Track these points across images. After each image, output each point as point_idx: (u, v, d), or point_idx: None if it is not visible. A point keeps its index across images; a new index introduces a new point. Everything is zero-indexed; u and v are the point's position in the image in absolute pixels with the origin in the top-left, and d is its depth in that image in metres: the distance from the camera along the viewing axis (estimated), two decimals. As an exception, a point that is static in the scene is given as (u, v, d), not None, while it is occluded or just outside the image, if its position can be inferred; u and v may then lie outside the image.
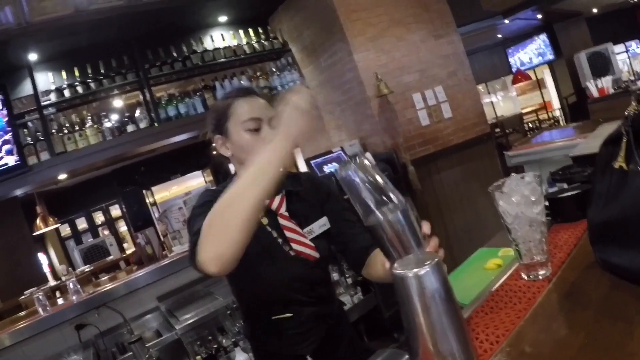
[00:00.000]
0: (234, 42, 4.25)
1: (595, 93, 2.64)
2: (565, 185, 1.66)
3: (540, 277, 1.05)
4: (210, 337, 2.85)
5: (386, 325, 3.46)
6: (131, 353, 2.69)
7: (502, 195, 1.03)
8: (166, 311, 3.04)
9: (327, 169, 4.05)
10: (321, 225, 1.33)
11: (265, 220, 1.26)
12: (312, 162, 4.17)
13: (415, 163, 3.78)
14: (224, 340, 2.82)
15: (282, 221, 1.29)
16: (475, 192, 4.02)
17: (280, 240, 1.26)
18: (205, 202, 1.14)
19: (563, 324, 0.85)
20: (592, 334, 0.78)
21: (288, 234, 1.28)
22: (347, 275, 3.45)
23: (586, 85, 7.87)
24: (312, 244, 1.29)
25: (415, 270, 0.68)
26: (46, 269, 4.49)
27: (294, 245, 1.27)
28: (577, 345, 0.76)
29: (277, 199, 1.30)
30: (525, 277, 1.08)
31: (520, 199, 1.01)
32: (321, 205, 1.37)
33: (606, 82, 2.62)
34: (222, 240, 0.89)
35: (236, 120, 1.23)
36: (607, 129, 2.27)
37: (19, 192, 3.97)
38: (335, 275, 3.35)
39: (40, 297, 2.91)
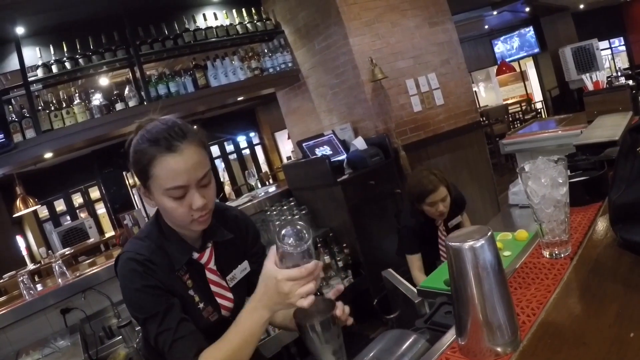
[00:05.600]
0: (227, 22, 4.17)
1: (590, 86, 2.70)
2: (569, 172, 1.71)
3: (562, 256, 1.08)
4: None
5: (375, 309, 3.51)
6: (120, 337, 2.65)
7: (532, 176, 1.05)
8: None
9: (319, 151, 4.05)
10: (242, 269, 1.29)
11: (190, 283, 1.17)
12: (303, 144, 4.16)
13: (407, 148, 3.80)
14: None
15: (209, 275, 1.22)
16: (465, 179, 4.09)
17: (201, 305, 1.18)
18: (154, 306, 1.07)
19: (595, 296, 0.88)
20: (625, 304, 0.81)
21: (214, 288, 1.22)
22: (338, 259, 3.48)
23: (570, 79, 8.06)
24: (231, 296, 1.25)
25: (470, 242, 0.69)
26: (24, 252, 4.38)
27: (218, 300, 1.23)
28: (613, 314, 0.79)
29: (207, 253, 1.22)
30: (547, 256, 1.11)
31: (548, 180, 1.03)
32: (245, 248, 1.32)
33: (601, 76, 2.69)
34: None
35: (159, 185, 1.04)
36: (606, 120, 2.33)
37: (0, 172, 3.84)
38: (326, 258, 3.38)
39: (24, 280, 2.83)
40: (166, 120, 1.08)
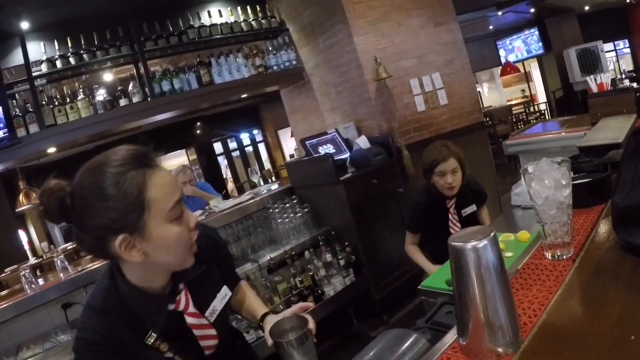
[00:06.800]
0: (231, 19, 4.17)
1: (594, 88, 2.70)
2: (572, 174, 1.71)
3: (564, 257, 1.08)
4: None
5: (376, 308, 3.52)
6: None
7: (535, 177, 1.05)
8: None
9: (322, 150, 4.05)
10: (222, 297, 1.16)
11: (165, 347, 1.00)
12: (307, 142, 4.16)
13: (410, 148, 3.80)
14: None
15: (190, 320, 1.07)
16: (467, 180, 4.08)
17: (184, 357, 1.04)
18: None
19: (597, 298, 0.88)
20: (626, 306, 0.81)
21: (197, 332, 1.08)
22: (339, 257, 3.49)
23: (574, 80, 8.03)
24: (214, 332, 1.12)
25: (473, 242, 0.69)
26: (26, 247, 4.39)
27: (202, 343, 1.10)
28: (615, 316, 0.79)
29: (182, 298, 1.06)
30: (549, 257, 1.11)
31: (552, 182, 1.03)
32: (219, 271, 1.20)
33: (605, 78, 2.68)
34: None
35: (159, 209, 0.89)
36: (610, 123, 2.33)
37: (3, 166, 3.84)
38: (328, 257, 3.38)
39: (26, 274, 2.83)
40: (114, 150, 0.93)
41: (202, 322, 1.08)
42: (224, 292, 1.16)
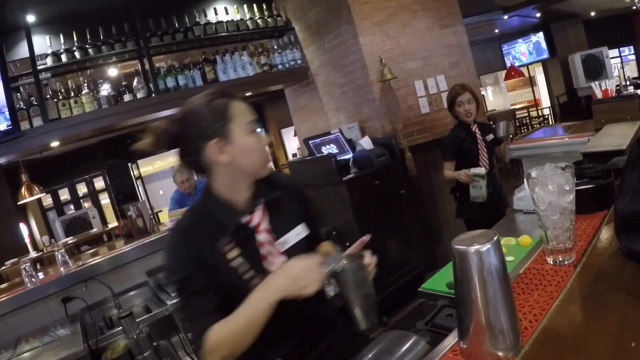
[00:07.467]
0: (237, 17, 4.17)
1: (599, 94, 2.69)
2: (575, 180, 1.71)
3: (566, 263, 1.08)
4: (203, 314, 2.84)
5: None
6: (120, 328, 2.66)
7: (539, 182, 1.05)
8: (155, 286, 3.01)
9: (325, 150, 4.05)
10: (296, 234, 1.24)
11: (235, 253, 1.13)
12: (310, 142, 4.16)
13: (413, 150, 3.80)
14: (216, 317, 2.82)
15: (260, 238, 1.18)
16: (469, 183, 4.07)
17: (247, 276, 1.13)
18: (182, 280, 1.10)
19: (598, 304, 0.88)
20: (627, 313, 0.81)
21: (264, 251, 1.18)
22: (340, 258, 3.48)
23: (579, 86, 8.01)
24: (284, 260, 1.18)
25: (476, 246, 0.69)
26: (27, 240, 4.38)
27: (269, 267, 1.17)
28: (615, 323, 0.79)
29: (258, 214, 1.19)
30: (551, 262, 1.11)
31: (555, 187, 1.03)
32: (300, 211, 1.30)
33: (610, 85, 2.67)
34: (231, 358, 1.05)
35: (240, 122, 1.13)
36: (614, 129, 2.32)
37: (6, 159, 3.85)
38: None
39: (27, 268, 2.83)
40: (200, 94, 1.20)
41: (272, 247, 1.19)
42: (300, 230, 1.25)
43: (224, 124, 1.12)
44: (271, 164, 1.17)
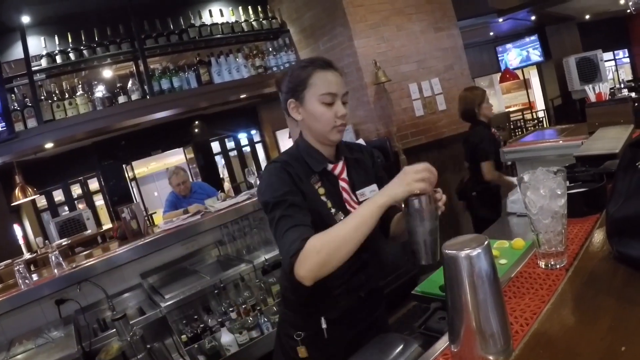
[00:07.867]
0: (232, 19, 4.18)
1: (592, 97, 2.70)
2: (568, 183, 1.71)
3: (558, 267, 1.09)
4: (195, 317, 2.83)
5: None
6: (114, 330, 2.64)
7: (531, 186, 1.05)
8: (149, 288, 2.99)
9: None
10: (371, 190, 1.42)
11: (322, 190, 1.33)
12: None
13: (407, 152, 3.81)
14: (209, 320, 2.80)
15: (342, 184, 1.39)
16: (464, 185, 4.08)
17: (333, 210, 1.32)
18: (283, 194, 1.22)
19: (589, 308, 0.89)
20: (618, 317, 0.82)
21: (345, 196, 1.38)
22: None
23: (573, 89, 8.06)
24: None
25: (467, 250, 0.69)
26: (21, 241, 4.36)
27: (348, 207, 1.36)
28: (605, 326, 0.79)
29: (340, 165, 1.39)
30: (543, 266, 1.11)
31: (547, 191, 1.04)
32: (373, 171, 1.49)
33: (604, 88, 2.68)
34: (324, 269, 1.10)
35: (314, 92, 1.29)
36: (607, 133, 2.33)
37: (0, 160, 3.84)
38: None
39: (20, 269, 2.82)
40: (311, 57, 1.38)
41: (352, 196, 1.38)
42: (373, 188, 1.42)
43: (302, 89, 1.30)
44: (341, 134, 1.36)
